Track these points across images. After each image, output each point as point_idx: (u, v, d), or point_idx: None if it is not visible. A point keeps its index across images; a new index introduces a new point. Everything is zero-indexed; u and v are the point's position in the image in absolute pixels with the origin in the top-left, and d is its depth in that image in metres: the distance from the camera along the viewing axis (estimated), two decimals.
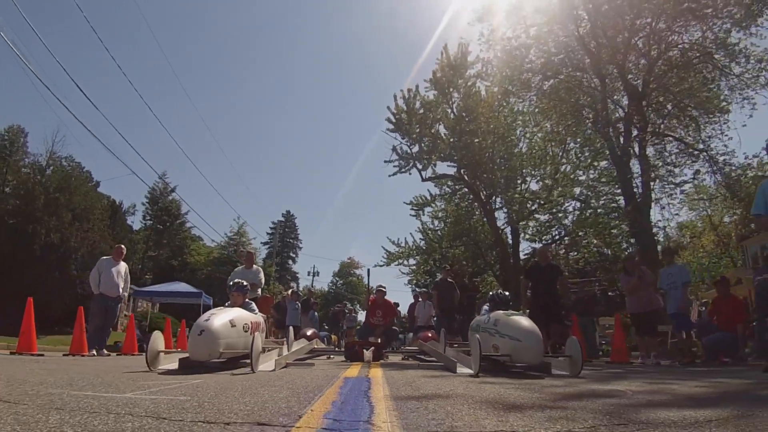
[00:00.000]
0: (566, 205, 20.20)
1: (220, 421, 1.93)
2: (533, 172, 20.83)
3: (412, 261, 28.26)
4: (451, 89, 22.57)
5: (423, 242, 27.42)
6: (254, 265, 9.87)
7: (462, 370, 5.40)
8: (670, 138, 17.50)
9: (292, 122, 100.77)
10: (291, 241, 64.37)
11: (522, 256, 22.68)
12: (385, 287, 10.52)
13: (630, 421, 2.10)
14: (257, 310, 6.81)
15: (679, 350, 8.85)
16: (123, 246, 10.07)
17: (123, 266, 9.52)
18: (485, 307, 6.77)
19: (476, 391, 3.25)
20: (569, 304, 10.00)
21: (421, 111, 22.54)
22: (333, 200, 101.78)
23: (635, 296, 8.66)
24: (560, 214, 20.70)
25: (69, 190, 25.37)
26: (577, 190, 19.78)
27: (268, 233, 62.49)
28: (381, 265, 29.50)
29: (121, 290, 9.28)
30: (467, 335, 7.16)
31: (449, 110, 22.87)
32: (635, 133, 16.91)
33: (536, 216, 21.30)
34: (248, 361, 4.93)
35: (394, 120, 21.73)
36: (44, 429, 1.69)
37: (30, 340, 8.04)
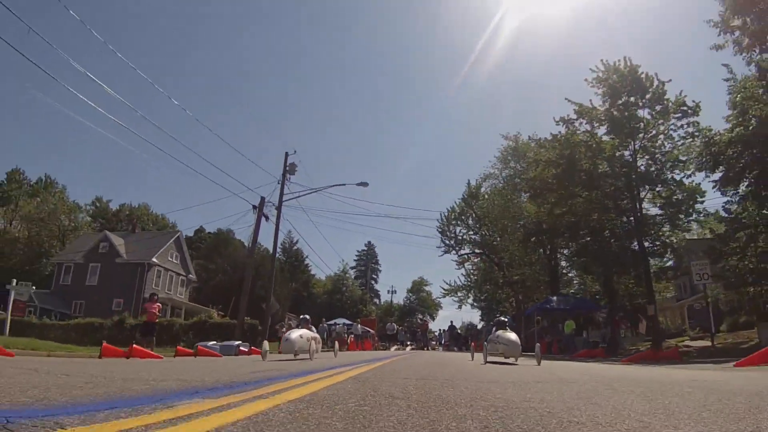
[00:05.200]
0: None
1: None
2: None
3: (460, 294, 51.15)
4: (473, 202, 44.96)
5: (467, 282, 50.13)
6: (392, 323, 32.66)
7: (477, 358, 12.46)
8: None
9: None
10: (373, 265, 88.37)
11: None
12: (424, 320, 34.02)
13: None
14: (316, 331, 14.45)
15: None
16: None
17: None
18: (494, 328, 13.09)
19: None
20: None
21: (458, 211, 45.35)
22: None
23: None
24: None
25: (264, 265, 49.54)
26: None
27: (354, 259, 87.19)
28: (440, 298, 53.39)
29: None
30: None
31: (473, 214, 45.17)
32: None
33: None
34: (307, 356, 11.46)
35: (440, 228, 44.63)
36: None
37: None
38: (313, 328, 14.98)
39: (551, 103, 79.34)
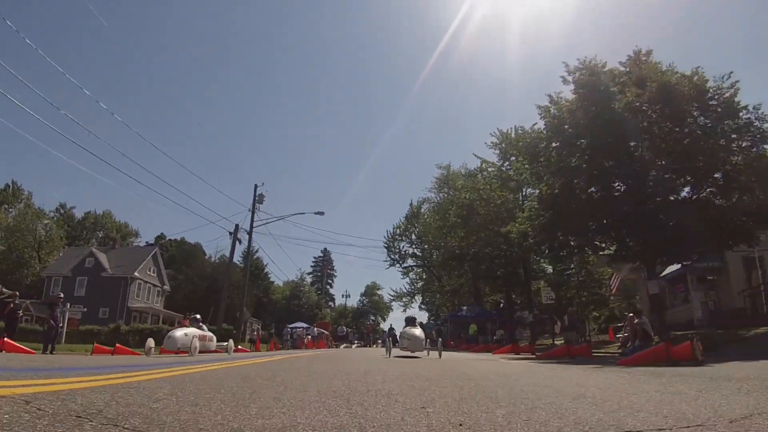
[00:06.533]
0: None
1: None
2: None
3: (405, 299, 60.19)
4: (415, 221, 53.81)
5: (411, 290, 59.17)
6: (342, 326, 40.78)
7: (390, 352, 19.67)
8: None
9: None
10: (329, 271, 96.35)
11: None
12: (371, 323, 42.40)
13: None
14: (206, 329, 16.04)
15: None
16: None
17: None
18: (405, 324, 16.28)
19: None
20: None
21: (403, 228, 54.14)
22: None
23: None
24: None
25: (230, 275, 56.98)
26: None
27: (311, 265, 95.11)
28: (388, 303, 62.32)
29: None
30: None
31: (416, 231, 54.05)
32: None
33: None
34: (210, 351, 15.31)
35: (386, 244, 53.28)
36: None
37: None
38: (204, 327, 16.44)
39: (513, 103, 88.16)
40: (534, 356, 17.10)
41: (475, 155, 33.88)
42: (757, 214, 15.88)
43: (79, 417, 2.52)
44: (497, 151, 32.91)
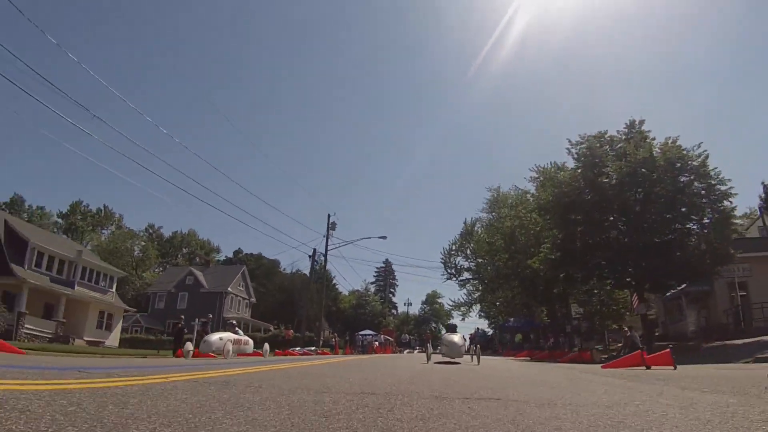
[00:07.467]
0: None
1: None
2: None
3: (462, 309, 66.57)
4: (469, 238, 60.09)
5: (467, 300, 65.48)
6: (405, 333, 47.58)
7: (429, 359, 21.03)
8: None
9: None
10: (391, 281, 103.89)
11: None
12: (430, 331, 49.26)
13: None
14: (242, 334, 18.00)
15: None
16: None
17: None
18: (444, 331, 19.61)
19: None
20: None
21: (458, 244, 60.60)
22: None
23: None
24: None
25: (306, 288, 65.09)
26: None
27: (374, 275, 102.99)
28: (448, 311, 68.83)
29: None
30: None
31: (470, 247, 60.30)
32: None
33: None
34: (241, 355, 15.98)
35: (443, 260, 59.89)
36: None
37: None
38: (240, 331, 17.82)
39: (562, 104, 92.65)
40: (529, 358, 23.81)
41: (516, 186, 40.17)
42: (713, 257, 21.61)
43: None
44: (535, 185, 38.84)
